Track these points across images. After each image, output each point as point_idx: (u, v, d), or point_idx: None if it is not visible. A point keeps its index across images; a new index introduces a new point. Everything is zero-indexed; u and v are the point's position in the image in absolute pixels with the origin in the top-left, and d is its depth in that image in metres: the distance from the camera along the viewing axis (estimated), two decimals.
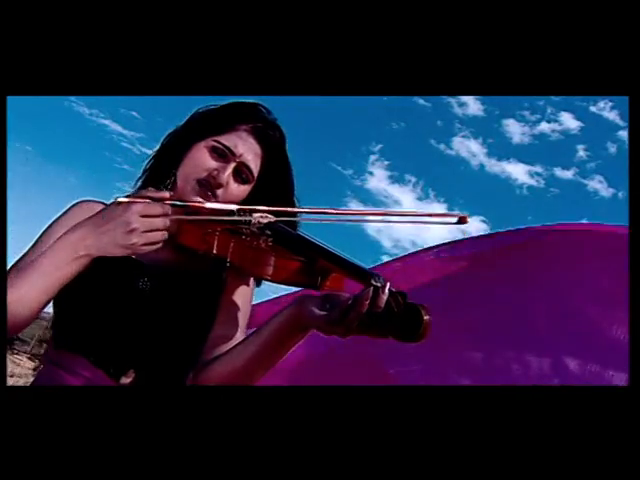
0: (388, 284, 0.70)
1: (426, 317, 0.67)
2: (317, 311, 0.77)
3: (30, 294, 0.84)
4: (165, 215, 0.83)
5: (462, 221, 0.84)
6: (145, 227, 0.81)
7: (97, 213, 0.85)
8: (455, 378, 1.58)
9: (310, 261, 0.83)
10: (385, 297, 0.70)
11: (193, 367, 0.96)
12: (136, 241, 0.81)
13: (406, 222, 0.86)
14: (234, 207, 0.91)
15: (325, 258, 0.81)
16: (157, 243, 0.83)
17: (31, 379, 1.08)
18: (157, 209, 0.82)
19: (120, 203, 0.83)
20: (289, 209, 0.96)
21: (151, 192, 0.85)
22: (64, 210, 1.03)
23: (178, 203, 0.88)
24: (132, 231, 0.81)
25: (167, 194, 0.86)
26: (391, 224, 0.91)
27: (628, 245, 0.80)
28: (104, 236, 0.82)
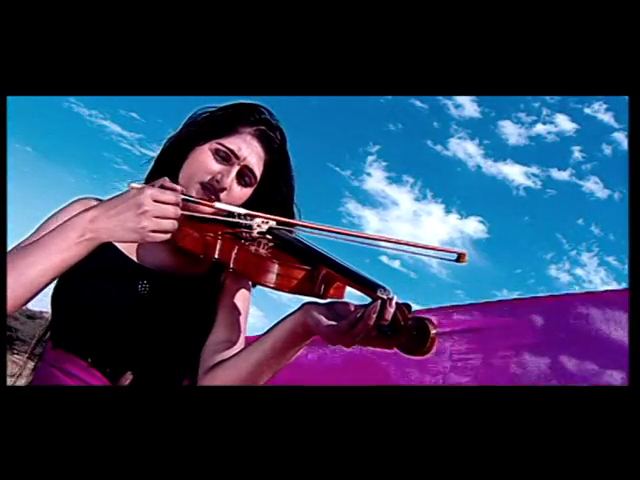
0: (395, 297, 0.70)
1: (433, 331, 0.67)
2: (324, 320, 0.76)
3: (30, 273, 0.81)
4: (177, 205, 0.82)
5: (461, 259, 0.86)
6: (157, 212, 0.80)
7: (110, 198, 0.84)
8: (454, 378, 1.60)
9: (314, 269, 0.83)
10: (392, 310, 0.69)
11: (190, 370, 0.95)
12: (146, 225, 0.80)
13: (404, 251, 0.89)
14: (243, 211, 0.91)
15: (330, 267, 0.81)
16: (166, 232, 0.82)
17: (31, 379, 1.08)
18: (170, 197, 0.82)
19: (134, 188, 0.82)
20: (294, 221, 0.97)
21: (166, 182, 0.86)
22: (63, 205, 1.03)
23: (190, 198, 0.88)
24: (143, 213, 0.80)
25: (180, 187, 0.86)
26: (388, 247, 0.92)
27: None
28: (114, 219, 0.81)
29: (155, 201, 0.81)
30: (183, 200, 0.85)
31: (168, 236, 0.83)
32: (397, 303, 0.70)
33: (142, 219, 0.80)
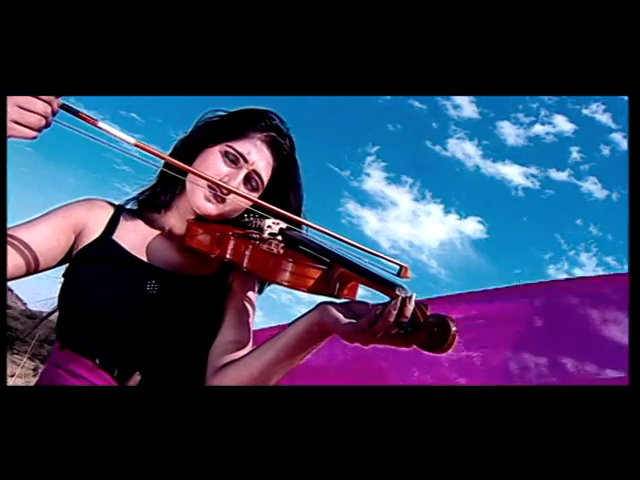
0: (414, 295, 0.71)
1: (454, 328, 0.67)
2: (343, 319, 0.76)
3: None
4: (47, 103, 0.79)
5: (402, 272, 0.85)
6: (16, 117, 0.77)
7: None
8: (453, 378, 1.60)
9: (329, 269, 0.83)
10: (411, 307, 0.70)
11: (198, 370, 0.95)
12: (8, 111, 0.76)
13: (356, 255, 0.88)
14: (132, 140, 0.86)
15: (347, 267, 0.81)
16: (31, 128, 0.78)
17: (31, 379, 1.09)
18: (37, 106, 0.78)
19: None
20: (305, 221, 0.97)
21: (45, 97, 0.81)
22: (71, 201, 1.04)
23: (72, 107, 0.84)
24: (6, 98, 0.76)
25: (59, 101, 0.83)
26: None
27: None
28: None
29: (20, 107, 0.77)
30: (63, 108, 0.82)
31: (32, 133, 0.79)
32: (416, 301, 0.71)
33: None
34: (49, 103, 0.79)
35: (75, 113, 0.84)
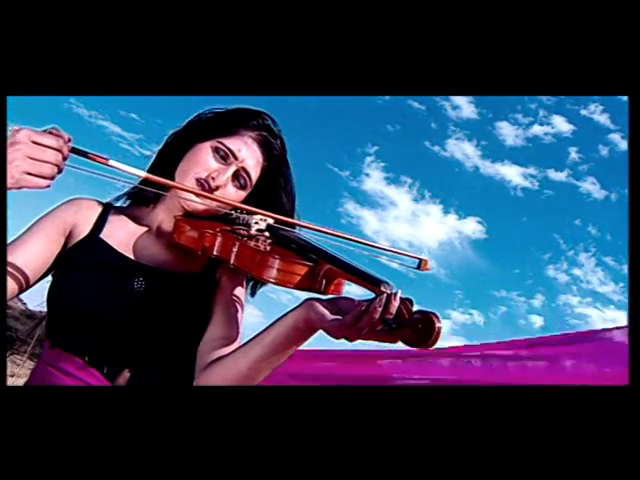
0: (399, 291, 0.71)
1: (438, 324, 0.67)
2: (329, 315, 0.76)
3: None
4: (57, 150, 0.78)
5: (422, 266, 0.89)
6: (31, 152, 0.75)
7: None
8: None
9: (315, 265, 0.83)
10: (397, 304, 0.70)
11: (186, 367, 0.95)
12: (18, 164, 0.75)
13: (373, 254, 0.91)
14: (142, 174, 0.86)
15: (332, 263, 0.81)
16: (44, 178, 0.77)
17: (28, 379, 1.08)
18: (50, 140, 0.77)
19: (14, 129, 0.77)
20: (291, 220, 0.97)
21: (55, 130, 0.81)
22: (57, 204, 1.04)
23: (80, 149, 0.82)
24: (17, 151, 0.75)
25: (68, 136, 0.81)
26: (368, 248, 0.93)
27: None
28: None
29: (33, 142, 0.76)
30: (73, 151, 0.81)
31: (46, 182, 0.78)
32: (401, 297, 0.71)
33: (16, 156, 0.75)
34: (59, 150, 0.78)
35: (85, 155, 0.82)
